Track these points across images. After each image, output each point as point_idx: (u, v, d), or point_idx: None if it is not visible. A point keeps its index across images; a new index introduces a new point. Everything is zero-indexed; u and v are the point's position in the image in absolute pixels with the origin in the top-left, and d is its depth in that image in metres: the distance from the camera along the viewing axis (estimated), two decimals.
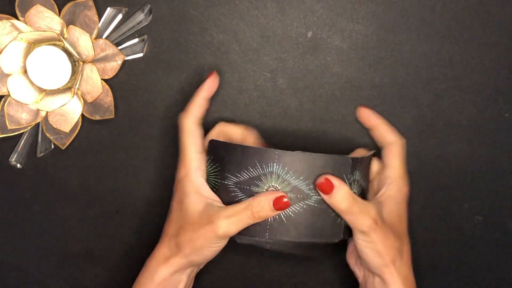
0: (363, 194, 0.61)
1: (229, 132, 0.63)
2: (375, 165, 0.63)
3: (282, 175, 0.57)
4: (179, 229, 0.59)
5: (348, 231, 0.59)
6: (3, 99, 0.65)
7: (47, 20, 0.63)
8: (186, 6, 0.65)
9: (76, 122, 0.65)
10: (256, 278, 0.70)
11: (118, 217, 0.69)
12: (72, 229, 0.70)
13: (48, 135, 0.66)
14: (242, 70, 0.67)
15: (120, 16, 0.65)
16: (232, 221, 0.56)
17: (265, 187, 0.58)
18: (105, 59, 0.65)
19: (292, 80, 0.67)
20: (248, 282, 0.70)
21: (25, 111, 0.65)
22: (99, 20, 0.64)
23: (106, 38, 0.65)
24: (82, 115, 0.66)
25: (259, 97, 0.67)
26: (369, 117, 0.64)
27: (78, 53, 0.63)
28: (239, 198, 0.58)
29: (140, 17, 0.65)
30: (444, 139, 0.68)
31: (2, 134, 0.66)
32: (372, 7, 0.65)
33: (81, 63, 0.64)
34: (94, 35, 0.64)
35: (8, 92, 0.63)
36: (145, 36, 0.66)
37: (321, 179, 0.56)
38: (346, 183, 0.58)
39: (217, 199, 0.59)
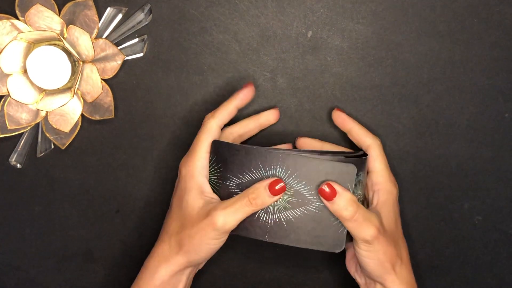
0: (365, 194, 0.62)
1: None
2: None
3: (285, 178, 0.57)
4: (179, 227, 0.59)
5: (350, 241, 0.59)
6: (3, 99, 0.65)
7: (47, 20, 0.63)
8: (186, 6, 0.65)
9: (76, 122, 0.65)
10: (256, 278, 0.70)
11: (118, 217, 0.69)
12: (72, 229, 0.70)
13: (48, 135, 0.66)
14: (242, 70, 0.67)
15: (120, 16, 0.65)
16: (229, 211, 0.56)
17: None
18: (105, 59, 0.65)
19: (292, 80, 0.67)
20: (248, 282, 0.70)
21: (25, 111, 0.65)
22: (99, 20, 0.64)
23: (106, 38, 0.65)
24: (82, 115, 0.66)
25: (259, 97, 0.67)
26: (343, 121, 0.64)
27: (78, 53, 0.63)
28: None
29: (140, 17, 0.65)
30: (444, 139, 0.68)
31: (2, 134, 0.66)
32: (372, 7, 0.65)
33: (81, 63, 0.64)
34: (94, 35, 0.64)
35: (8, 92, 0.63)
36: (145, 36, 0.66)
37: (324, 186, 0.56)
38: (350, 189, 0.57)
39: (217, 198, 0.59)
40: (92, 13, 0.64)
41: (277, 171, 0.57)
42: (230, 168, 0.59)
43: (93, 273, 0.70)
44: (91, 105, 0.66)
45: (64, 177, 0.69)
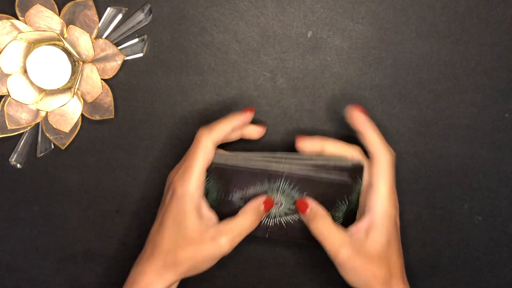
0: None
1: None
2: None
3: (288, 190, 0.60)
4: (175, 245, 0.58)
5: None
6: (3, 99, 0.65)
7: (47, 20, 0.63)
8: (186, 6, 0.65)
9: (76, 122, 0.65)
10: (256, 278, 0.70)
11: (118, 217, 0.69)
12: (72, 229, 0.70)
13: (48, 135, 0.66)
14: (242, 70, 0.67)
15: (120, 16, 0.65)
16: (235, 236, 0.58)
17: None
18: (105, 59, 0.65)
19: (292, 80, 0.67)
20: (248, 282, 0.70)
21: (25, 111, 0.65)
22: (99, 20, 0.64)
23: (106, 38, 0.65)
24: (82, 115, 0.66)
25: (259, 97, 0.67)
26: (359, 121, 0.59)
27: (78, 53, 0.63)
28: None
29: (140, 17, 0.65)
30: (444, 139, 0.68)
31: (2, 134, 0.66)
32: (372, 7, 0.65)
33: (81, 63, 0.64)
34: (94, 35, 0.64)
35: (8, 92, 0.63)
36: (145, 36, 0.66)
37: (299, 201, 0.60)
38: (345, 202, 0.60)
39: (215, 217, 0.60)
40: (92, 13, 0.64)
41: (281, 184, 0.60)
42: (234, 185, 0.60)
43: (93, 273, 0.70)
44: (91, 105, 0.66)
45: (64, 177, 0.69)
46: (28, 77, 0.63)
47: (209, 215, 0.59)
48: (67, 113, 0.65)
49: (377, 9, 0.65)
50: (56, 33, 0.61)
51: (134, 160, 0.68)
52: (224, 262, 0.70)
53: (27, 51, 0.63)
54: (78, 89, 0.65)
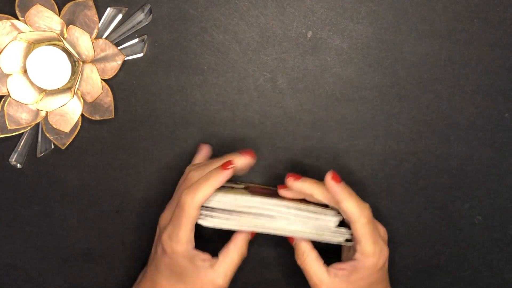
0: None
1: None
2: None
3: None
4: (174, 281, 0.61)
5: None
6: (3, 99, 0.65)
7: (47, 20, 0.63)
8: (186, 6, 0.65)
9: (76, 122, 0.65)
10: (256, 278, 0.70)
11: (118, 217, 0.69)
12: (72, 229, 0.70)
13: (48, 135, 0.66)
14: (242, 70, 0.67)
15: (120, 16, 0.65)
16: (227, 272, 0.60)
17: None
18: (105, 59, 0.65)
19: (292, 80, 0.67)
20: (248, 282, 0.70)
21: (25, 111, 0.65)
22: (99, 20, 0.64)
23: (106, 38, 0.65)
24: (82, 115, 0.66)
25: (259, 97, 0.67)
26: (334, 191, 0.60)
27: (78, 53, 0.63)
28: None
29: (140, 17, 0.65)
30: (444, 139, 0.68)
31: (2, 134, 0.66)
32: (372, 7, 0.65)
33: (81, 63, 0.64)
34: (94, 35, 0.64)
35: (8, 92, 0.63)
36: (145, 36, 0.66)
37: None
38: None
39: (208, 256, 0.61)
40: (92, 13, 0.64)
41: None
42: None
43: (93, 273, 0.70)
44: (91, 105, 0.66)
45: (64, 177, 0.69)
46: (28, 77, 0.63)
47: (203, 258, 0.61)
48: (67, 113, 0.65)
49: (377, 9, 0.65)
50: (56, 33, 0.61)
51: (134, 160, 0.68)
52: None
53: (27, 51, 0.63)
54: (78, 89, 0.65)
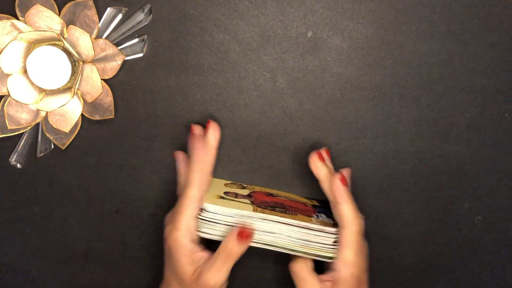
0: None
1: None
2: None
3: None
4: (179, 285, 0.62)
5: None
6: (3, 99, 0.65)
7: (47, 20, 0.63)
8: (186, 6, 0.65)
9: (76, 122, 0.65)
10: (256, 278, 0.70)
11: (118, 217, 0.69)
12: (72, 229, 0.70)
13: (48, 135, 0.66)
14: (242, 70, 0.67)
15: (120, 16, 0.65)
16: (215, 271, 0.60)
17: None
18: (105, 59, 0.65)
19: (292, 80, 0.67)
20: (248, 282, 0.70)
21: (25, 111, 0.65)
22: (99, 20, 0.64)
23: (106, 38, 0.65)
24: (82, 115, 0.66)
25: (259, 97, 0.67)
26: (338, 193, 0.62)
27: (78, 53, 0.63)
28: None
29: (140, 17, 0.65)
30: (444, 139, 0.68)
31: (2, 134, 0.66)
32: (372, 7, 0.65)
33: (81, 63, 0.64)
34: (94, 35, 0.64)
35: (8, 92, 0.63)
36: (145, 36, 0.66)
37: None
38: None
39: (204, 254, 0.61)
40: (92, 13, 0.64)
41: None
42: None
43: (93, 273, 0.70)
44: (91, 105, 0.66)
45: (64, 177, 0.69)
46: (28, 77, 0.63)
47: (201, 253, 0.61)
48: (67, 113, 0.65)
49: (377, 9, 0.65)
50: (56, 33, 0.61)
51: (134, 160, 0.68)
52: None
53: (27, 51, 0.63)
54: (78, 89, 0.65)
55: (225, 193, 0.64)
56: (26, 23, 0.63)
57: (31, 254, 0.70)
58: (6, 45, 0.62)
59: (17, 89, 0.63)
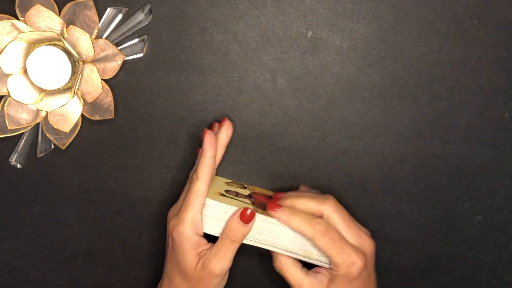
0: None
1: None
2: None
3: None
4: (183, 279, 0.62)
5: None
6: (3, 99, 0.65)
7: (47, 20, 0.63)
8: (186, 6, 0.65)
9: (76, 122, 0.65)
10: (256, 278, 0.70)
11: (118, 217, 0.69)
12: (72, 229, 0.70)
13: (48, 135, 0.66)
14: (242, 70, 0.67)
15: (120, 16, 0.65)
16: (220, 257, 0.60)
17: None
18: (105, 59, 0.65)
19: (292, 80, 0.67)
20: (248, 282, 0.70)
21: (25, 111, 0.65)
22: (99, 20, 0.64)
23: (106, 38, 0.65)
24: (82, 115, 0.66)
25: (259, 97, 0.67)
26: (281, 220, 0.62)
27: (78, 53, 0.63)
28: None
29: (140, 17, 0.65)
30: (444, 139, 0.68)
31: (2, 134, 0.66)
32: (372, 7, 0.65)
33: (81, 63, 0.64)
34: (94, 35, 0.64)
35: (8, 92, 0.63)
36: (145, 36, 0.66)
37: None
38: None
39: (209, 247, 0.61)
40: (92, 13, 0.64)
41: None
42: None
43: (93, 273, 0.70)
44: (91, 105, 0.66)
45: (64, 177, 0.69)
46: (28, 77, 0.63)
47: (206, 245, 0.61)
48: (67, 113, 0.65)
49: (377, 9, 0.65)
50: (56, 33, 0.61)
51: (134, 160, 0.68)
52: None
53: (27, 51, 0.63)
54: (78, 89, 0.65)
55: (226, 191, 0.64)
56: (26, 23, 0.63)
57: (31, 254, 0.70)
58: (6, 45, 0.62)
59: (17, 89, 0.63)
